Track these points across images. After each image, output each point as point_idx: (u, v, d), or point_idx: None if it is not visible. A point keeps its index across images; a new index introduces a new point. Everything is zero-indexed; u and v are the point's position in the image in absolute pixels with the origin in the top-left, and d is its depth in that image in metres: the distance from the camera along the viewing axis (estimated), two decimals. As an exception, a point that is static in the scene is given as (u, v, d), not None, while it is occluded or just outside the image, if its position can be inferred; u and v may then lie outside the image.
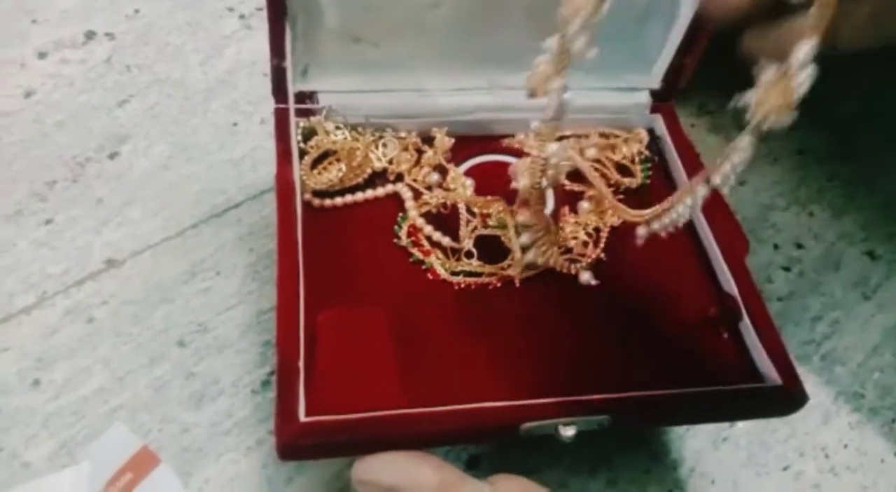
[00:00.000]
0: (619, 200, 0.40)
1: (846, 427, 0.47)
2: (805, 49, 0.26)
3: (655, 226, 0.35)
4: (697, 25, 0.42)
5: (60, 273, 0.45)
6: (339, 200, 0.40)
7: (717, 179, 0.31)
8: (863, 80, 0.63)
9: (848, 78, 0.62)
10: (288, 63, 0.39)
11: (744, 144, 0.30)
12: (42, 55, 0.55)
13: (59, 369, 0.42)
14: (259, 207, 0.49)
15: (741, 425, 0.45)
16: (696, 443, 0.44)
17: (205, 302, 0.45)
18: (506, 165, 0.44)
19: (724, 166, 0.31)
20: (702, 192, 0.32)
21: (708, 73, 0.47)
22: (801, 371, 0.47)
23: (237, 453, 0.40)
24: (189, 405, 0.42)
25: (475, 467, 0.41)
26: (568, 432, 0.33)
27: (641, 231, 0.36)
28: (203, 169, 0.51)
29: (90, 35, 0.57)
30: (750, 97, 0.28)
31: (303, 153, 0.41)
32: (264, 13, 0.37)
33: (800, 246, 0.55)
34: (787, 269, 0.53)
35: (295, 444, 0.31)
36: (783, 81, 0.27)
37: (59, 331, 0.43)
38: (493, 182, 0.42)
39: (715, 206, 0.42)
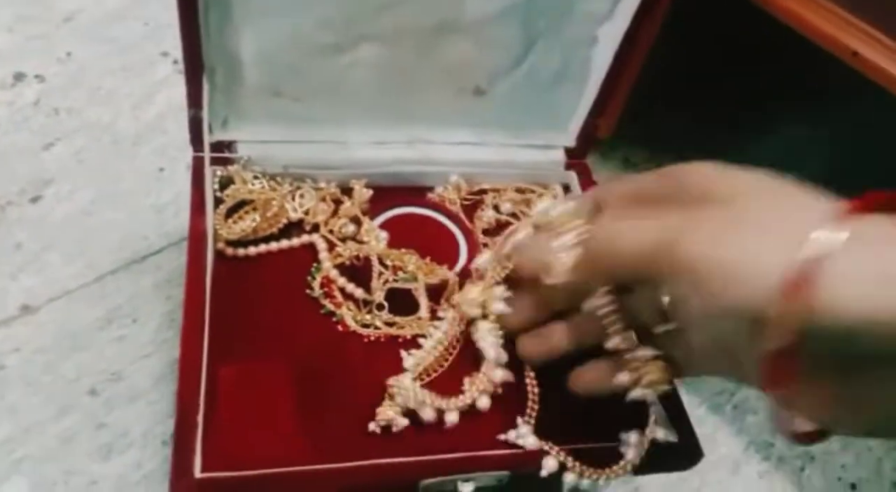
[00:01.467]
0: None
1: (755, 476, 0.48)
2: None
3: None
4: (609, 88, 0.44)
5: (-28, 319, 0.45)
6: (252, 250, 0.40)
7: None
8: (782, 128, 0.66)
9: (768, 126, 0.65)
10: (205, 113, 0.39)
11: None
12: (-32, 96, 0.55)
13: (-36, 418, 0.41)
14: (179, 253, 0.49)
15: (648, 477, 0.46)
16: (608, 493, 0.45)
17: (119, 350, 0.45)
18: (425, 218, 0.45)
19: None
20: None
21: (633, 125, 0.49)
22: (713, 421, 0.49)
23: (145, 506, 0.40)
24: (97, 457, 0.41)
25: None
26: (466, 489, 0.34)
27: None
28: (126, 215, 0.51)
29: (19, 77, 0.57)
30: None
31: (219, 202, 0.41)
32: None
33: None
34: (702, 319, 0.54)
35: None
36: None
37: (-35, 379, 0.42)
38: (411, 235, 0.43)
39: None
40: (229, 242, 0.40)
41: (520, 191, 0.47)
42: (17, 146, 0.53)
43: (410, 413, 0.36)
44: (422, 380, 0.38)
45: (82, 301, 0.46)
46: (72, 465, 0.40)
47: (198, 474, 0.31)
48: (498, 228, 0.45)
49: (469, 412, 0.37)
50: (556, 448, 0.36)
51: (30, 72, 0.58)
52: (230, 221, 0.41)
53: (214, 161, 0.41)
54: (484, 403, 0.37)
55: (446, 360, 0.39)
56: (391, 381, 0.36)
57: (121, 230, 0.50)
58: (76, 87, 0.58)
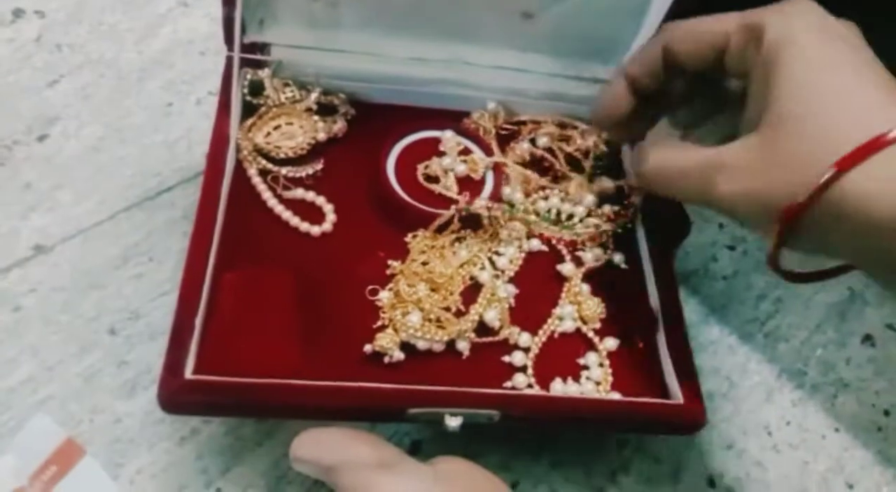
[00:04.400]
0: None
1: (788, 404, 0.47)
2: None
3: None
4: (668, 19, 0.42)
5: (-15, 260, 0.43)
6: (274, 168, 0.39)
7: None
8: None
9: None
10: (237, 12, 0.38)
11: None
12: (-34, 33, 0.53)
13: (-16, 359, 0.40)
14: (194, 189, 0.47)
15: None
16: (640, 423, 0.44)
17: (137, 288, 0.43)
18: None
19: None
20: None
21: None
22: (745, 350, 0.48)
23: (171, 442, 0.39)
24: (121, 395, 0.40)
25: (417, 452, 0.41)
26: (453, 422, 0.33)
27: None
28: (136, 151, 0.49)
29: (18, 13, 0.55)
30: None
31: (250, 109, 0.40)
32: (202, -10, 0.36)
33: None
34: (731, 248, 0.53)
35: (176, 399, 0.31)
36: None
37: (-17, 320, 0.41)
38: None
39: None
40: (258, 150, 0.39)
41: (560, 125, 0.45)
42: (20, 84, 0.51)
43: (409, 346, 0.35)
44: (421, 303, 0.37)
45: (97, 239, 0.45)
46: (96, 403, 0.40)
47: (188, 375, 0.31)
48: (532, 163, 0.44)
49: (458, 350, 0.36)
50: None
51: (28, 8, 0.55)
52: (256, 128, 0.40)
53: (246, 63, 0.40)
54: (490, 316, 0.36)
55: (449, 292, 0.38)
56: (398, 314, 0.36)
57: (132, 167, 0.48)
58: (77, 23, 0.55)
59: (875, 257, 0.28)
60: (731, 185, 0.30)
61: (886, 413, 0.48)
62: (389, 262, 0.38)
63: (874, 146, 0.26)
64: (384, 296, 0.37)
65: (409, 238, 0.39)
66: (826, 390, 0.48)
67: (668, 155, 0.33)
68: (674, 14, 0.41)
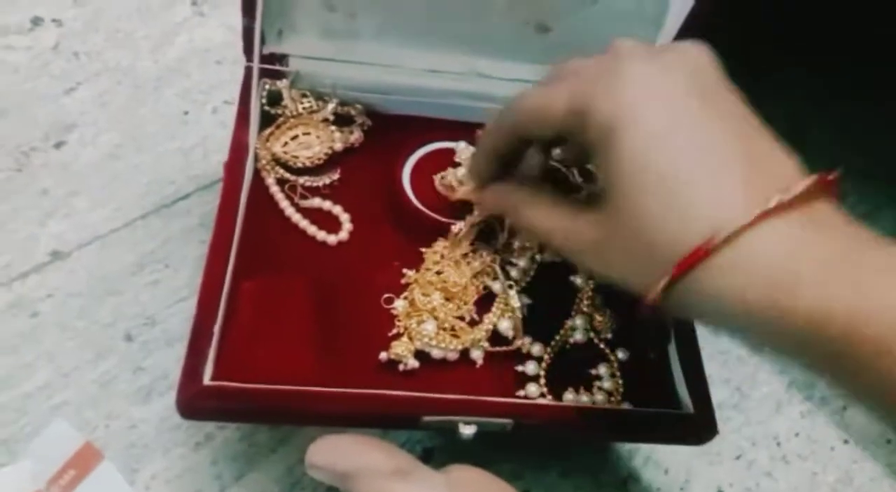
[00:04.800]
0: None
1: (797, 416, 0.47)
2: None
3: None
4: (686, 34, 0.42)
5: (3, 266, 0.44)
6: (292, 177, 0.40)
7: None
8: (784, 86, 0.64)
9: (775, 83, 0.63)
10: (257, 24, 0.38)
11: None
12: (-15, 41, 0.54)
13: (1, 364, 0.41)
14: (210, 197, 0.48)
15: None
16: (650, 433, 0.45)
17: (153, 295, 0.44)
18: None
19: None
20: None
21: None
22: (755, 361, 0.49)
23: (186, 448, 0.40)
24: (136, 400, 0.41)
25: (428, 460, 0.41)
26: (467, 430, 0.33)
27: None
28: (152, 159, 0.50)
29: (37, 21, 0.56)
30: None
31: (266, 118, 0.40)
32: (217, 0, 0.37)
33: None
34: (741, 259, 0.53)
35: (195, 405, 0.32)
36: None
37: (1, 325, 0.42)
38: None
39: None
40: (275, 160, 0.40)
41: None
42: (37, 91, 0.52)
43: (424, 354, 0.36)
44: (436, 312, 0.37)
45: (113, 246, 0.45)
46: (112, 409, 0.40)
47: (206, 381, 0.32)
48: (546, 173, 0.44)
49: (477, 358, 0.37)
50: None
51: (47, 16, 0.56)
52: (274, 138, 0.41)
53: (265, 74, 0.40)
54: (504, 326, 0.37)
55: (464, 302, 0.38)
56: (414, 322, 0.36)
57: (148, 174, 0.49)
58: (94, 31, 0.56)
59: (743, 335, 0.28)
60: (591, 258, 0.30)
61: None
62: (404, 270, 0.38)
63: (696, 257, 0.25)
64: (399, 304, 0.37)
65: (426, 249, 0.39)
66: (835, 403, 0.48)
67: (536, 214, 0.33)
68: (690, 23, 0.42)
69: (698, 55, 0.29)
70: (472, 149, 0.43)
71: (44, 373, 0.41)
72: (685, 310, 0.28)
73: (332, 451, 0.31)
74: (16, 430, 0.39)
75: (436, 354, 0.36)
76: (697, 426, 0.37)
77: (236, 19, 0.39)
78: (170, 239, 0.46)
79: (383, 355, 0.35)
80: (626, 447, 0.44)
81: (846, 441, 0.47)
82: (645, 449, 0.44)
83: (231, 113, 0.40)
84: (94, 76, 0.53)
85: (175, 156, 0.50)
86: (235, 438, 0.40)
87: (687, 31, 0.42)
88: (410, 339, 0.36)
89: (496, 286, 0.38)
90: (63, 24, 0.56)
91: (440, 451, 0.41)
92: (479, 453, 0.39)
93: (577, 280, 0.40)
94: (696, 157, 0.27)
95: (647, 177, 0.27)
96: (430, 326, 0.36)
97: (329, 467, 0.31)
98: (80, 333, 0.42)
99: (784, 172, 0.27)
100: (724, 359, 0.48)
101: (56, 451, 0.37)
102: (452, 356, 0.36)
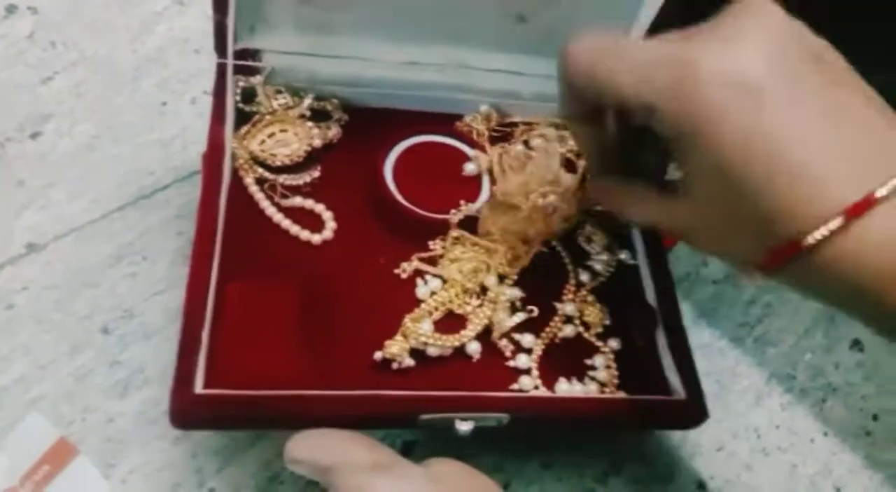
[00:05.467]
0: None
1: (778, 408, 0.48)
2: None
3: None
4: (659, 26, 0.42)
5: (-23, 258, 0.43)
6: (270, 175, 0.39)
7: None
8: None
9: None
10: (230, 19, 0.37)
11: None
12: (-42, 29, 0.53)
13: (-25, 357, 0.40)
14: (189, 188, 0.47)
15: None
16: (631, 425, 0.45)
17: (131, 287, 0.43)
18: (446, 146, 0.43)
19: None
20: None
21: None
22: (735, 354, 0.49)
23: (165, 442, 0.39)
24: (113, 394, 0.40)
25: (409, 453, 0.41)
26: (464, 426, 0.33)
27: None
28: (130, 150, 0.49)
29: (11, 9, 0.55)
30: None
31: (241, 115, 0.40)
32: (198, -11, 0.36)
33: (736, 230, 0.55)
34: (723, 252, 0.54)
35: (188, 413, 0.31)
36: None
37: (-26, 318, 0.41)
38: (432, 164, 0.42)
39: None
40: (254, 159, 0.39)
41: (555, 125, 0.45)
42: (13, 81, 0.51)
43: (418, 352, 0.36)
44: (436, 311, 0.37)
45: (90, 238, 0.45)
46: (88, 403, 0.40)
47: (199, 389, 0.31)
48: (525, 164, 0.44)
49: (469, 354, 0.37)
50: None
51: (22, 4, 0.55)
52: (251, 136, 0.40)
53: (238, 70, 0.39)
54: (496, 319, 0.37)
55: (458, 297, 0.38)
56: (409, 321, 0.36)
57: (126, 165, 0.48)
58: (71, 20, 0.55)
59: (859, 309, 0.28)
60: (703, 237, 0.30)
61: (875, 418, 0.49)
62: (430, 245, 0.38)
63: (859, 210, 0.25)
64: (424, 290, 0.37)
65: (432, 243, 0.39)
66: (814, 395, 0.49)
67: (641, 209, 0.33)
68: (661, 17, 0.42)
69: (788, 19, 0.28)
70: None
71: (19, 366, 0.40)
72: (805, 279, 0.27)
73: (312, 445, 0.31)
74: (-10, 424, 0.38)
75: (432, 351, 0.36)
76: (690, 411, 0.37)
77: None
78: (147, 231, 0.45)
79: (378, 355, 0.35)
80: (607, 439, 0.44)
81: (825, 433, 0.47)
82: (626, 441, 0.44)
83: (210, 103, 0.40)
84: (71, 66, 0.52)
85: (153, 147, 0.49)
86: (215, 431, 0.40)
87: (661, 22, 0.42)
88: (405, 337, 0.35)
89: (488, 280, 0.38)
90: (39, 11, 0.55)
91: (420, 445, 0.41)
92: (460, 446, 0.39)
93: (569, 272, 0.40)
94: (823, 123, 0.26)
95: (768, 146, 0.26)
96: (426, 325, 0.36)
97: (309, 462, 0.30)
98: (56, 325, 0.42)
99: None
100: (704, 352, 0.48)
101: (31, 446, 0.37)
102: (448, 353, 0.36)
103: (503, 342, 0.37)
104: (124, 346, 0.42)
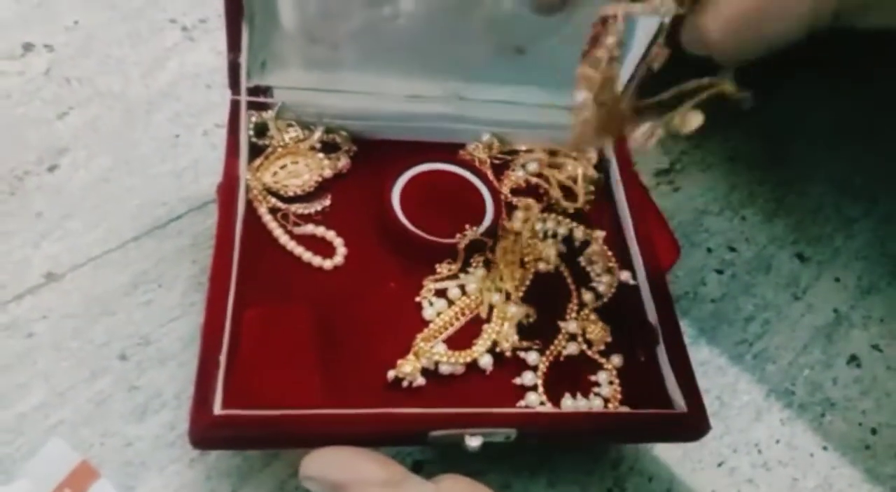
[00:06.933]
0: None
1: (777, 423, 0.49)
2: None
3: None
4: (649, 52, 0.44)
5: (-3, 288, 0.45)
6: (283, 205, 0.41)
7: None
8: (792, 88, 0.66)
9: (779, 86, 0.65)
10: (243, 58, 0.39)
11: None
12: (-23, 67, 0.55)
13: (-3, 385, 0.41)
14: (202, 218, 0.49)
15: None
16: (634, 442, 0.46)
17: (147, 314, 0.45)
18: (450, 174, 0.45)
19: None
20: None
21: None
22: (734, 371, 0.50)
23: (181, 464, 0.40)
24: (131, 419, 0.41)
25: (419, 471, 0.42)
26: (473, 442, 0.34)
27: None
28: (144, 181, 0.51)
29: (28, 47, 0.57)
30: None
31: (254, 149, 0.42)
32: (207, 25, 0.38)
33: (732, 249, 0.57)
34: (720, 271, 0.55)
35: (207, 435, 0.32)
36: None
37: (-4, 346, 0.43)
38: (438, 191, 0.44)
39: (643, 215, 0.44)
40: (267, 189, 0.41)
41: (551, 153, 0.47)
42: (30, 116, 0.53)
43: (428, 371, 0.37)
44: (444, 330, 0.38)
45: (107, 267, 0.46)
46: (107, 427, 0.41)
47: (217, 410, 0.32)
48: (526, 189, 0.46)
49: (482, 368, 0.38)
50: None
51: (38, 41, 0.57)
52: (263, 168, 0.42)
53: (251, 106, 0.41)
54: (501, 337, 0.38)
55: (464, 315, 0.39)
56: (420, 341, 0.37)
57: (140, 197, 0.50)
58: (85, 56, 0.57)
59: None
60: None
61: (874, 432, 0.50)
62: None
63: None
64: (431, 311, 0.39)
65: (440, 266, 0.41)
66: (814, 410, 0.50)
67: None
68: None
69: None
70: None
71: (39, 393, 0.41)
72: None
73: (326, 462, 0.32)
74: (12, 450, 0.39)
75: (444, 369, 0.37)
76: (692, 422, 0.38)
77: (225, 44, 0.40)
78: (162, 259, 0.47)
79: (391, 374, 0.36)
80: (610, 456, 0.45)
81: (825, 448, 0.48)
82: (629, 457, 0.45)
83: (221, 136, 0.42)
84: (86, 101, 0.54)
85: (167, 178, 0.51)
86: (229, 453, 0.41)
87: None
88: (416, 356, 0.37)
89: (493, 299, 0.40)
90: (54, 49, 0.57)
91: (430, 462, 0.42)
92: (469, 463, 0.40)
93: (571, 292, 0.42)
94: None
95: None
96: (439, 346, 0.37)
97: (323, 478, 0.32)
98: (74, 353, 0.43)
99: None
100: (704, 370, 0.50)
101: (52, 470, 0.38)
102: (459, 371, 0.37)
103: (509, 358, 0.38)
104: (141, 371, 0.43)
